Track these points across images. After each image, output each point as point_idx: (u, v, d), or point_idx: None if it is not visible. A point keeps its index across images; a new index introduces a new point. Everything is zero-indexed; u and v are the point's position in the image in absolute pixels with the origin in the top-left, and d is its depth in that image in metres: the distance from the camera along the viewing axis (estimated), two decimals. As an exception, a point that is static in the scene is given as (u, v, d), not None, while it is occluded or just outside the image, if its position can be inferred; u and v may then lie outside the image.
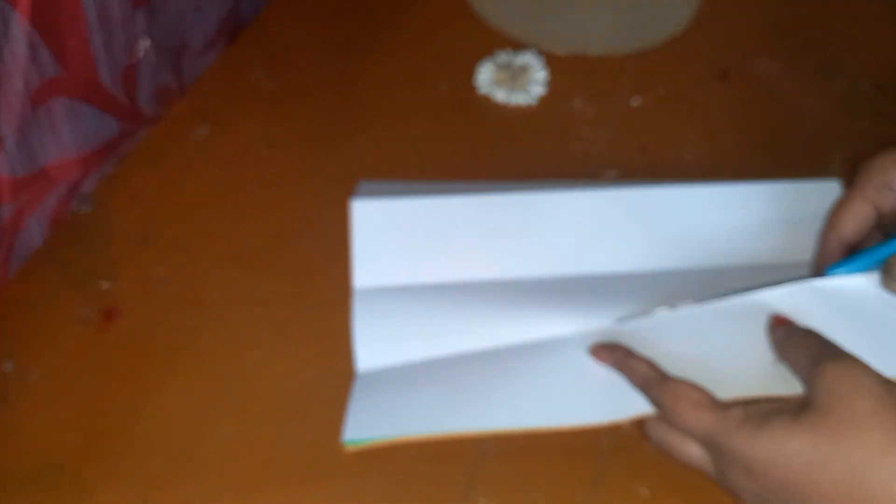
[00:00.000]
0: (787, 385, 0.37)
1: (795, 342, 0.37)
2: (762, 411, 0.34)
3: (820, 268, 0.42)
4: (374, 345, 0.42)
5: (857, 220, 0.41)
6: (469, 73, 0.57)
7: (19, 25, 0.40)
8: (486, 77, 0.57)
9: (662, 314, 0.41)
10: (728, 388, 0.37)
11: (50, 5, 0.41)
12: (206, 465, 0.40)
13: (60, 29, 0.42)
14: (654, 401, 0.37)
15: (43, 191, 0.47)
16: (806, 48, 0.60)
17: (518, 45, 0.59)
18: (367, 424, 0.39)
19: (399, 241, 0.44)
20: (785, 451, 0.33)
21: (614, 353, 0.40)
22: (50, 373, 0.42)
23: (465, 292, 0.43)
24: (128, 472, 0.39)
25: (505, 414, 0.39)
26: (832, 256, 0.41)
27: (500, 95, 0.56)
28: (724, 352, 0.39)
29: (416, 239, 0.44)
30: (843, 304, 0.39)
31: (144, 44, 0.49)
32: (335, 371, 0.43)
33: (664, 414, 0.37)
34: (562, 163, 0.52)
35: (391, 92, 0.57)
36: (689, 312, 0.41)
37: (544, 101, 0.56)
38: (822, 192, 0.45)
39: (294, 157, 0.53)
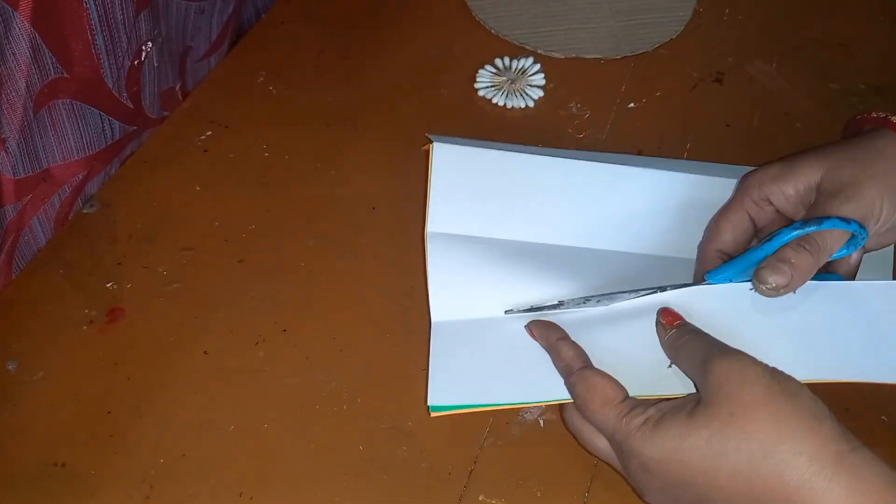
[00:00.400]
0: (686, 386, 0.38)
1: (684, 345, 0.37)
2: (662, 410, 0.35)
3: (699, 275, 0.43)
4: (448, 297, 0.42)
5: (734, 231, 0.42)
6: (469, 76, 0.58)
7: (20, 27, 0.40)
8: (485, 81, 0.58)
9: (585, 308, 0.42)
10: (639, 386, 0.37)
11: (51, 7, 0.41)
12: (208, 463, 0.40)
13: (62, 31, 0.43)
14: (570, 388, 0.38)
15: (47, 191, 0.47)
16: (801, 50, 0.61)
17: (517, 50, 0.60)
18: (448, 392, 0.39)
19: (475, 190, 0.44)
20: (681, 448, 0.33)
21: (547, 333, 0.40)
22: (53, 372, 0.43)
23: (535, 252, 0.44)
24: (130, 471, 0.40)
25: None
26: (710, 264, 0.42)
27: (500, 99, 0.57)
28: (632, 350, 0.40)
29: (492, 190, 0.44)
30: (722, 306, 0.40)
31: (148, 46, 0.49)
32: (337, 371, 0.43)
33: (576, 403, 0.37)
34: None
35: (392, 95, 0.57)
36: (604, 309, 0.42)
37: (542, 104, 0.57)
38: None
39: (296, 158, 0.53)
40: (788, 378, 0.34)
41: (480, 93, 0.57)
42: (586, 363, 0.38)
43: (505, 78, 0.58)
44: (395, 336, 0.45)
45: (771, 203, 0.42)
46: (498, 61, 0.59)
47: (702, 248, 0.43)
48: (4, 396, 0.42)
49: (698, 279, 0.42)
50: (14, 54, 0.40)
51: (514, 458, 0.41)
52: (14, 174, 0.44)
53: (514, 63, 0.59)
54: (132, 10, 0.46)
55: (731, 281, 0.41)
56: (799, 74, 0.59)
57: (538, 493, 0.39)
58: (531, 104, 0.57)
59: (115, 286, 0.46)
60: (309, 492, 0.39)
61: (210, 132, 0.54)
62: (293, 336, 0.45)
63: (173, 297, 0.46)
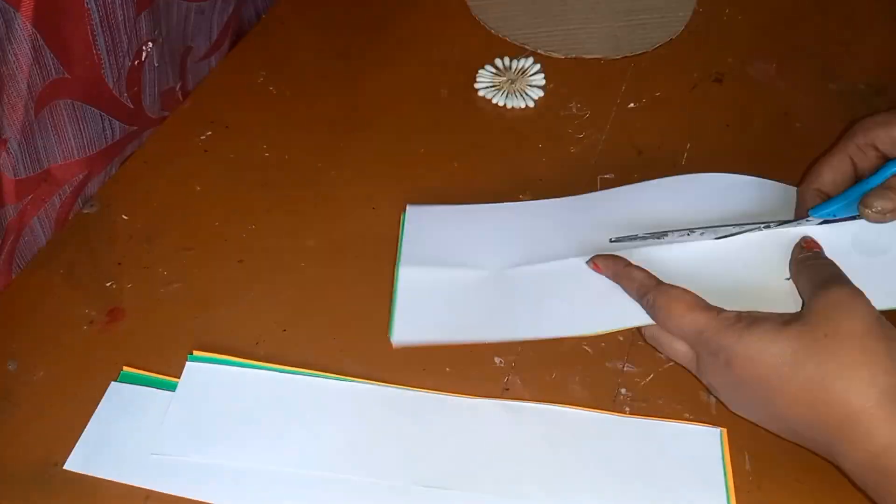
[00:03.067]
0: (785, 306, 0.39)
1: (812, 265, 0.39)
2: (754, 316, 0.37)
3: (800, 213, 0.44)
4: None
5: (833, 172, 0.43)
6: (469, 76, 0.58)
7: (22, 28, 0.40)
8: (485, 81, 0.58)
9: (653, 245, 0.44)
10: (729, 301, 0.39)
11: (53, 8, 0.41)
12: (208, 462, 0.40)
13: (64, 32, 0.43)
14: (650, 304, 0.40)
15: (47, 192, 0.47)
16: (801, 50, 0.61)
17: (517, 50, 0.60)
18: (409, 331, 0.43)
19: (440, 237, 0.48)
20: (767, 350, 0.36)
21: (613, 263, 0.42)
22: (53, 372, 0.43)
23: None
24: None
25: (524, 326, 0.43)
26: (810, 203, 0.43)
27: (500, 99, 0.57)
28: (725, 273, 0.42)
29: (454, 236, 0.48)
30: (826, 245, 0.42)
31: (148, 47, 0.49)
32: (338, 371, 0.43)
33: (658, 316, 0.39)
34: (559, 165, 0.53)
35: (392, 94, 0.57)
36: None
37: (542, 105, 0.57)
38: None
39: (296, 158, 0.53)
40: (893, 327, 0.35)
41: (480, 93, 0.57)
42: (659, 280, 0.40)
43: (505, 78, 0.58)
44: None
45: (876, 148, 0.43)
46: (498, 61, 0.59)
47: (801, 188, 0.44)
48: (4, 396, 0.42)
49: (801, 215, 0.43)
50: (16, 55, 0.40)
51: (514, 458, 0.40)
52: (15, 175, 0.44)
53: (514, 63, 0.59)
54: (133, 10, 0.46)
55: (834, 216, 0.42)
56: (799, 74, 0.59)
57: (538, 493, 0.39)
58: (531, 104, 0.57)
59: (114, 286, 0.46)
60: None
61: (210, 132, 0.54)
62: (293, 336, 0.45)
63: (173, 297, 0.46)
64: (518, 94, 0.57)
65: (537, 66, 0.58)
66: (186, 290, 0.46)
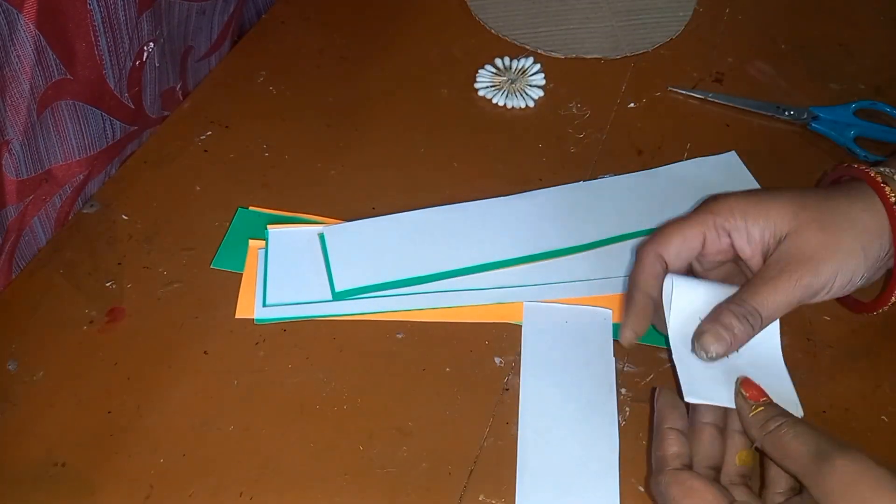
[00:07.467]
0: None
1: (784, 435, 0.35)
2: None
3: (637, 270, 0.41)
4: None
5: (684, 243, 0.40)
6: (469, 77, 0.58)
7: (26, 29, 0.40)
8: (485, 81, 0.58)
9: None
10: None
11: (56, 9, 0.41)
12: (208, 463, 0.40)
13: (67, 33, 0.43)
14: (658, 485, 0.37)
15: (48, 192, 0.47)
16: (801, 50, 0.61)
17: (517, 50, 0.60)
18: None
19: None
20: None
21: (665, 412, 0.39)
22: (53, 372, 0.43)
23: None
24: (131, 471, 0.40)
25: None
26: (650, 265, 0.40)
27: (500, 99, 0.57)
28: None
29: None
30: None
31: (149, 47, 0.49)
32: (337, 371, 0.43)
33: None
34: (559, 165, 0.53)
35: (392, 95, 0.57)
36: None
37: (542, 105, 0.57)
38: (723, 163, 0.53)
39: (296, 158, 0.53)
40: None
41: (480, 93, 0.57)
42: (686, 465, 0.37)
43: (505, 78, 0.58)
44: (394, 335, 0.45)
45: (730, 237, 0.40)
46: (498, 61, 0.59)
47: (642, 246, 0.41)
48: (4, 396, 0.42)
49: (634, 274, 0.41)
50: (19, 56, 0.41)
51: (514, 458, 0.41)
52: (17, 175, 0.44)
53: (514, 63, 0.59)
54: (135, 10, 0.46)
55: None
56: (799, 74, 0.59)
57: (538, 493, 0.40)
58: (531, 104, 0.57)
59: (115, 286, 0.46)
60: (309, 492, 0.39)
61: (210, 132, 0.54)
62: (293, 336, 0.45)
63: (173, 297, 0.46)
64: (518, 94, 0.57)
65: (537, 66, 0.58)
66: (186, 290, 0.46)
